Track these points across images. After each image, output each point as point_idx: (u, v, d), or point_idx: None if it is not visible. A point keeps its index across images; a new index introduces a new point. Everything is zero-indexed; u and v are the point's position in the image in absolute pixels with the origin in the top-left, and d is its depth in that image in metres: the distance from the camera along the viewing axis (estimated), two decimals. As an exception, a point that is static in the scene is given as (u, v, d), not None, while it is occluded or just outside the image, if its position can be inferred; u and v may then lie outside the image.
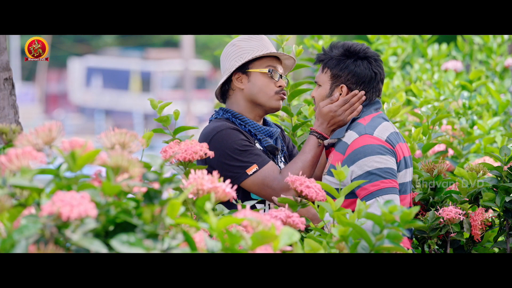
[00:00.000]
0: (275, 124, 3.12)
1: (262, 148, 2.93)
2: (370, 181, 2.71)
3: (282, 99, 2.96)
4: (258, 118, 2.99)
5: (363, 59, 2.85)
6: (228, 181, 1.97)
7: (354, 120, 2.85)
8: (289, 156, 3.10)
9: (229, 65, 2.97)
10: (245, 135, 2.88)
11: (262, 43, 2.96)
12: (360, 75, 2.84)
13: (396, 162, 2.78)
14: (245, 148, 2.84)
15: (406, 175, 2.82)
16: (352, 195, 2.75)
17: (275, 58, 2.99)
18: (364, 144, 2.75)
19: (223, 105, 3.13)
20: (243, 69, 2.95)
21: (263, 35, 3.00)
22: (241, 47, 2.95)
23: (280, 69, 2.98)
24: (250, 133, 2.92)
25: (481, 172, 2.97)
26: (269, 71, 2.93)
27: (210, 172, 2.78)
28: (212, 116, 3.02)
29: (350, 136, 2.79)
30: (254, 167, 2.82)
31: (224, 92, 3.01)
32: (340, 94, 2.85)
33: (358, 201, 2.08)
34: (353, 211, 2.38)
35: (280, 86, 2.94)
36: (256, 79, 2.94)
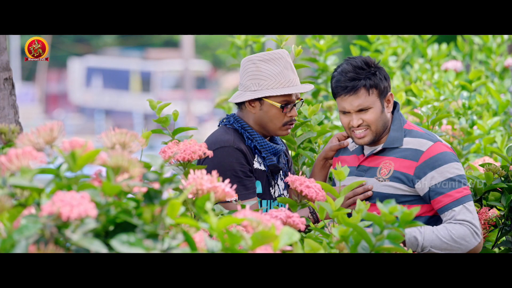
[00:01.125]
0: (281, 141, 3.10)
1: (264, 168, 2.92)
2: (453, 187, 2.73)
3: (290, 128, 2.94)
4: (265, 136, 2.98)
5: (380, 67, 2.83)
6: (227, 180, 1.97)
7: (395, 125, 2.83)
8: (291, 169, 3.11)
9: (245, 83, 2.92)
10: (246, 156, 2.87)
11: (281, 71, 2.89)
12: (388, 78, 2.84)
13: None
14: (238, 175, 2.83)
15: None
16: (415, 202, 2.77)
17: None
18: (442, 151, 2.77)
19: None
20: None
21: (284, 55, 2.92)
22: (260, 70, 2.90)
23: (295, 96, 2.92)
24: (256, 149, 2.92)
25: (498, 172, 2.99)
26: (281, 106, 2.89)
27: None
28: (222, 120, 3.00)
29: (421, 143, 2.78)
30: (233, 197, 2.82)
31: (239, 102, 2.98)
32: (389, 102, 2.82)
33: (358, 201, 2.08)
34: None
35: (290, 116, 2.92)
36: (268, 109, 2.91)
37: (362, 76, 2.77)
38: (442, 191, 2.73)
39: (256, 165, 2.91)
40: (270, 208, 2.91)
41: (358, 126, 2.79)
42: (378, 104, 2.79)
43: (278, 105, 2.89)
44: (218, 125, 3.02)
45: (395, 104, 2.87)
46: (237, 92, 2.97)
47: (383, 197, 2.76)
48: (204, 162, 2.84)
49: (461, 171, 2.76)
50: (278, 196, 2.95)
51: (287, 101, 2.90)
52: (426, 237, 2.68)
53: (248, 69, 2.93)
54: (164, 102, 3.07)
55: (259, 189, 2.90)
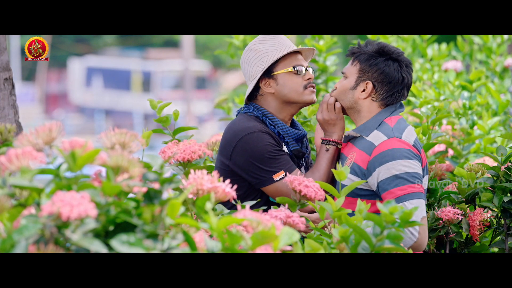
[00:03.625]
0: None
1: (288, 152, 2.92)
2: (397, 185, 2.69)
3: (313, 91, 2.94)
4: (288, 118, 2.96)
5: (394, 61, 2.83)
6: (227, 181, 1.97)
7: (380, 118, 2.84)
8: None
9: (253, 72, 2.93)
10: (274, 138, 2.87)
11: (279, 42, 2.93)
12: (388, 75, 2.82)
13: (421, 168, 2.78)
14: (275, 154, 2.82)
15: (426, 182, 2.82)
16: (371, 196, 2.74)
17: (295, 52, 2.96)
18: (393, 147, 2.73)
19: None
20: (268, 73, 2.92)
21: (274, 35, 2.96)
22: (259, 50, 2.92)
23: (303, 61, 2.95)
24: (279, 135, 2.91)
25: (480, 172, 2.97)
26: (294, 68, 2.90)
27: (233, 171, 2.79)
28: (240, 109, 2.97)
29: (377, 137, 2.77)
30: (281, 173, 2.81)
31: (251, 97, 2.97)
32: (364, 91, 2.83)
33: (359, 201, 2.08)
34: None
35: (308, 79, 2.92)
36: (284, 80, 2.91)
37: (361, 50, 2.87)
38: (387, 187, 2.69)
39: (284, 148, 2.91)
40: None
41: (334, 88, 2.92)
42: (352, 79, 2.86)
43: (291, 69, 2.90)
44: (236, 115, 2.99)
45: (392, 103, 2.85)
46: (249, 87, 2.97)
47: (342, 187, 2.73)
48: (235, 151, 2.82)
49: (410, 169, 2.70)
50: None
51: (298, 64, 2.92)
52: None
53: (249, 58, 2.95)
54: (164, 102, 3.07)
55: None
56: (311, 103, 2.95)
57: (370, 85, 2.82)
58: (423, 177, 2.77)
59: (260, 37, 2.96)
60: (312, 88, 2.93)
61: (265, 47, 2.93)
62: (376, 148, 2.75)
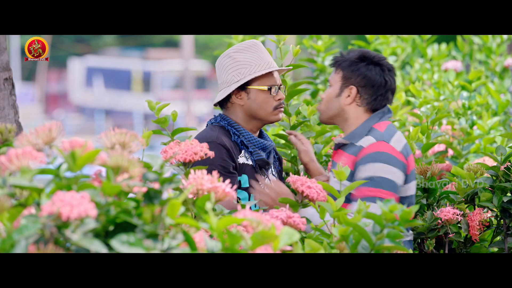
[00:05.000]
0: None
1: (251, 162, 2.93)
2: (368, 185, 2.72)
3: (281, 111, 2.97)
4: (255, 130, 2.99)
5: (376, 65, 2.88)
6: (228, 180, 1.97)
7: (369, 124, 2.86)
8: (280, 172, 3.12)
9: (227, 79, 2.95)
10: (230, 151, 2.88)
11: (259, 56, 2.94)
12: (370, 79, 2.86)
13: (406, 174, 2.80)
14: (221, 169, 2.84)
15: (413, 187, 2.84)
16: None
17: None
18: (378, 150, 2.77)
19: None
20: (242, 86, 2.94)
21: (257, 43, 2.97)
22: (238, 60, 2.94)
23: (278, 80, 2.97)
24: (242, 144, 2.93)
25: (479, 172, 2.97)
26: (268, 88, 2.92)
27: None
28: (210, 120, 3.02)
29: (367, 140, 2.80)
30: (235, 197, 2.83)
31: (222, 101, 3.01)
32: (349, 96, 2.86)
33: (359, 201, 2.08)
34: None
35: (279, 100, 2.94)
36: (256, 96, 2.94)
37: (343, 58, 2.92)
38: (359, 186, 2.73)
39: (242, 160, 2.92)
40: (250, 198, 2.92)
41: (322, 99, 2.97)
42: (337, 86, 2.90)
43: (265, 88, 2.92)
44: (206, 125, 3.04)
45: (379, 107, 2.87)
46: (220, 92, 2.99)
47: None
48: None
49: (387, 174, 2.73)
50: None
51: (272, 84, 2.94)
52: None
53: (225, 64, 2.96)
54: (163, 103, 3.07)
55: (245, 183, 2.91)
56: (276, 121, 2.99)
57: (354, 90, 2.86)
58: (409, 182, 2.79)
59: (241, 45, 2.97)
60: (281, 109, 2.96)
61: (244, 58, 2.94)
62: (363, 149, 2.79)
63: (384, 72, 2.87)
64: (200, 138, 2.90)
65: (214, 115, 3.04)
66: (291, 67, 3.06)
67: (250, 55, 2.94)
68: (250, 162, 2.93)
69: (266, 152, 2.98)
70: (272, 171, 3.01)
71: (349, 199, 2.76)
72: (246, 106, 2.95)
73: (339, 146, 2.89)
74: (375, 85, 2.86)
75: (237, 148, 2.92)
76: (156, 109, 3.08)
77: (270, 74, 2.95)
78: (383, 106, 2.88)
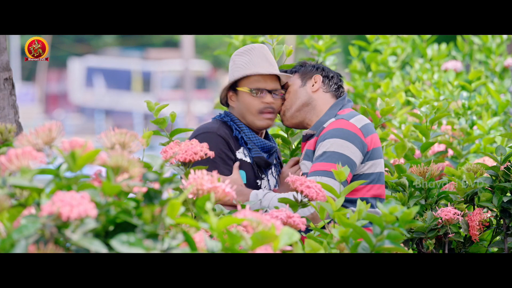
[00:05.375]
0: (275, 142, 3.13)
1: (249, 159, 2.93)
2: (323, 160, 2.75)
3: (269, 118, 2.96)
4: (256, 130, 3.01)
5: (324, 67, 3.03)
6: (227, 181, 1.97)
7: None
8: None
9: (228, 79, 3.02)
10: (229, 144, 2.90)
11: (251, 59, 2.96)
12: (326, 70, 3.01)
13: (367, 151, 2.84)
14: (215, 162, 2.86)
15: (379, 165, 2.87)
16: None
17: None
18: (337, 127, 2.83)
19: (223, 107, 3.17)
20: (234, 87, 2.99)
21: (256, 47, 2.99)
22: (235, 62, 2.99)
23: (270, 84, 2.96)
24: (242, 140, 2.94)
25: (479, 172, 2.97)
26: (251, 90, 2.94)
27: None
28: (215, 116, 3.05)
29: (329, 122, 2.88)
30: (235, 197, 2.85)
31: (227, 100, 3.07)
32: (314, 84, 2.96)
33: (359, 201, 2.08)
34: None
35: (266, 103, 2.94)
36: (243, 98, 2.97)
37: (292, 70, 3.06)
38: (315, 161, 2.78)
39: (240, 155, 2.94)
40: None
41: (281, 111, 3.05)
42: (297, 81, 3.01)
43: (248, 89, 2.94)
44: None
45: (339, 95, 2.99)
46: (222, 91, 3.05)
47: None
48: None
49: (342, 150, 2.77)
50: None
51: (258, 87, 2.94)
52: (267, 197, 2.72)
53: (229, 65, 3.03)
54: (161, 104, 3.08)
55: (243, 179, 2.92)
56: (263, 128, 2.99)
57: (318, 77, 2.98)
58: (372, 159, 2.84)
59: (243, 48, 3.02)
60: (268, 114, 2.95)
61: (240, 60, 2.98)
62: (324, 129, 2.85)
63: (330, 70, 3.03)
64: (201, 128, 2.94)
65: (220, 113, 3.06)
66: (287, 74, 3.05)
67: (246, 58, 2.97)
68: (248, 160, 2.94)
69: (268, 153, 2.99)
70: (272, 172, 3.01)
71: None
72: (237, 108, 2.99)
73: (307, 138, 2.93)
74: (333, 76, 3.01)
75: (237, 143, 2.94)
76: (155, 110, 3.08)
77: (258, 77, 2.95)
78: (342, 93, 3.00)
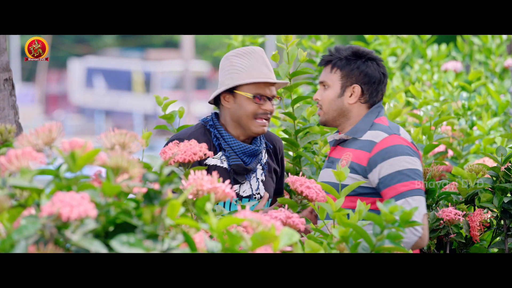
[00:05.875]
0: (272, 139, 3.09)
1: (225, 165, 2.93)
2: (400, 181, 2.68)
3: (264, 124, 2.95)
4: (242, 137, 2.98)
5: (371, 60, 2.84)
6: (227, 181, 1.97)
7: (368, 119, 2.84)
8: (282, 173, 3.11)
9: (221, 80, 2.98)
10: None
11: (253, 64, 2.94)
12: (370, 76, 2.83)
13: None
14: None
15: None
16: (372, 195, 2.74)
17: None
18: (394, 143, 2.73)
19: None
20: (231, 89, 2.95)
21: (257, 50, 2.97)
22: (233, 64, 2.95)
23: (269, 90, 2.95)
24: (220, 147, 2.94)
25: (481, 172, 2.97)
26: (254, 97, 2.92)
27: None
28: (203, 118, 3.04)
29: (376, 135, 2.77)
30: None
31: (216, 101, 3.02)
32: (351, 95, 2.83)
33: (358, 201, 2.08)
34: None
35: (265, 110, 2.93)
36: (241, 101, 2.94)
37: (336, 56, 2.85)
38: (389, 183, 2.69)
39: (215, 161, 2.93)
40: (230, 206, 2.91)
41: (316, 101, 2.88)
42: (337, 87, 2.84)
43: (251, 95, 2.91)
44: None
45: (376, 102, 2.86)
46: (215, 92, 3.01)
47: (343, 187, 2.74)
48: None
49: (412, 165, 2.70)
50: (247, 196, 2.96)
51: (259, 93, 2.93)
52: None
53: (224, 66, 2.98)
54: (170, 99, 3.09)
55: None
56: (257, 135, 2.97)
57: (357, 89, 2.83)
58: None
59: (242, 49, 2.97)
60: (264, 120, 2.94)
61: (240, 63, 2.95)
62: (377, 144, 2.75)
63: (380, 66, 2.86)
64: (174, 135, 2.93)
65: (211, 113, 3.05)
66: (287, 82, 3.03)
67: (246, 62, 2.94)
68: (225, 165, 2.93)
69: (252, 156, 2.97)
70: (257, 175, 2.99)
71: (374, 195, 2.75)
72: (232, 110, 2.95)
73: (339, 142, 2.87)
74: (375, 81, 2.84)
75: (214, 148, 2.93)
76: (163, 105, 3.09)
77: (260, 83, 2.94)
78: (379, 100, 2.88)
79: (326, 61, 2.88)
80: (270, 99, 2.94)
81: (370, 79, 2.83)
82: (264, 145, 3.03)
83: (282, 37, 3.20)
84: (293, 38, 3.21)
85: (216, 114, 3.01)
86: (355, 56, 2.84)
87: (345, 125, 2.87)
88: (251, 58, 2.94)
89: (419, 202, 2.66)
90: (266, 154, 3.05)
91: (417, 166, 2.71)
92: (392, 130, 2.78)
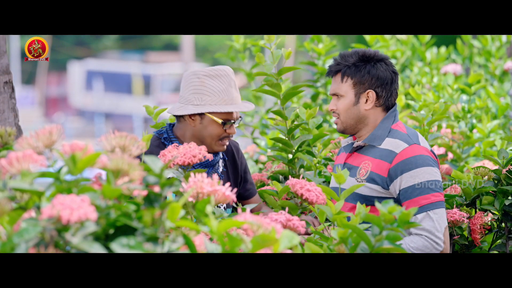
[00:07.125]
0: (231, 146, 3.11)
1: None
2: (421, 193, 2.66)
3: (227, 143, 2.99)
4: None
5: (380, 62, 2.81)
6: (228, 184, 1.97)
7: (384, 124, 2.81)
8: (243, 177, 3.12)
9: (187, 97, 2.96)
10: None
11: (225, 89, 2.94)
12: (383, 78, 2.79)
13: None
14: None
15: None
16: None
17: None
18: (415, 154, 2.70)
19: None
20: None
21: (229, 73, 2.97)
22: (205, 85, 2.94)
23: (236, 114, 2.98)
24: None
25: (488, 176, 2.97)
26: (223, 123, 2.94)
27: None
28: (161, 128, 3.04)
29: (396, 144, 2.74)
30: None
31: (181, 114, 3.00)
32: (367, 101, 2.79)
33: (358, 204, 2.08)
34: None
35: (229, 133, 2.97)
36: (208, 123, 2.95)
37: (344, 64, 2.81)
38: (410, 196, 2.67)
39: (171, 174, 2.92)
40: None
41: (332, 111, 2.85)
42: (351, 95, 2.80)
43: (220, 121, 2.94)
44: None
45: (392, 103, 2.83)
46: (176, 104, 2.99)
47: (361, 197, 2.73)
48: None
49: (433, 177, 2.67)
50: None
51: (228, 119, 2.95)
52: None
53: (192, 82, 2.96)
54: (160, 107, 3.08)
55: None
56: (219, 151, 3.00)
57: (372, 94, 2.79)
58: None
59: (213, 70, 2.96)
60: (227, 140, 2.98)
61: (212, 85, 2.94)
62: (397, 155, 2.72)
63: (388, 66, 2.82)
64: None
65: (166, 125, 3.04)
66: (252, 106, 3.01)
67: (218, 85, 2.94)
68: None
69: (209, 167, 2.99)
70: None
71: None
72: (196, 129, 2.97)
73: (356, 149, 2.84)
74: (388, 83, 2.80)
75: None
76: (153, 114, 3.08)
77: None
78: (395, 101, 2.84)
79: (335, 71, 2.84)
80: (234, 122, 2.98)
81: (382, 82, 2.79)
82: (220, 155, 3.05)
83: (265, 37, 3.17)
84: (275, 39, 3.16)
85: (170, 126, 3.01)
86: (363, 61, 2.80)
87: (363, 131, 2.83)
88: (223, 82, 2.94)
89: (440, 216, 2.64)
90: (222, 162, 3.07)
91: (437, 177, 2.69)
92: (412, 139, 2.74)
